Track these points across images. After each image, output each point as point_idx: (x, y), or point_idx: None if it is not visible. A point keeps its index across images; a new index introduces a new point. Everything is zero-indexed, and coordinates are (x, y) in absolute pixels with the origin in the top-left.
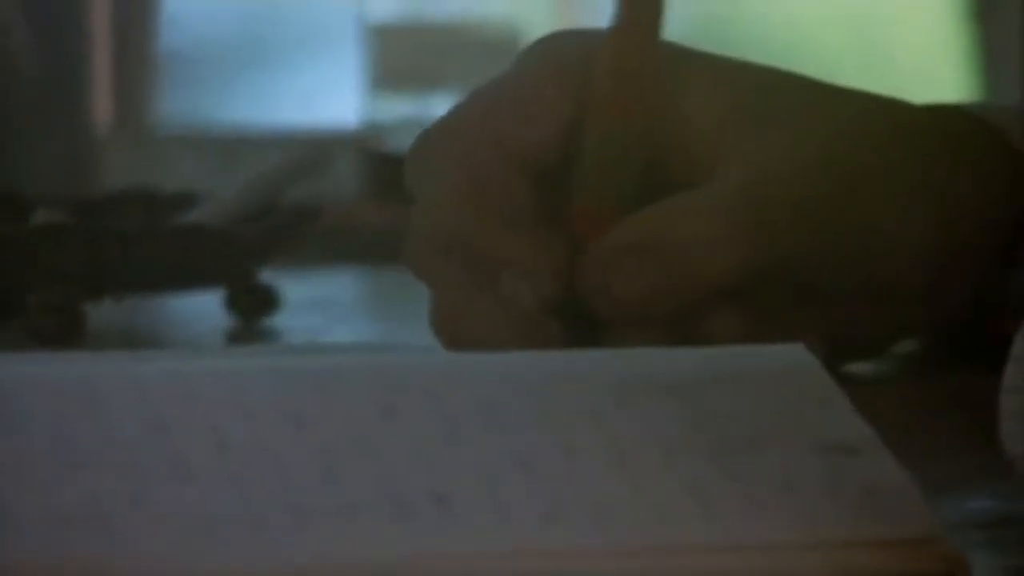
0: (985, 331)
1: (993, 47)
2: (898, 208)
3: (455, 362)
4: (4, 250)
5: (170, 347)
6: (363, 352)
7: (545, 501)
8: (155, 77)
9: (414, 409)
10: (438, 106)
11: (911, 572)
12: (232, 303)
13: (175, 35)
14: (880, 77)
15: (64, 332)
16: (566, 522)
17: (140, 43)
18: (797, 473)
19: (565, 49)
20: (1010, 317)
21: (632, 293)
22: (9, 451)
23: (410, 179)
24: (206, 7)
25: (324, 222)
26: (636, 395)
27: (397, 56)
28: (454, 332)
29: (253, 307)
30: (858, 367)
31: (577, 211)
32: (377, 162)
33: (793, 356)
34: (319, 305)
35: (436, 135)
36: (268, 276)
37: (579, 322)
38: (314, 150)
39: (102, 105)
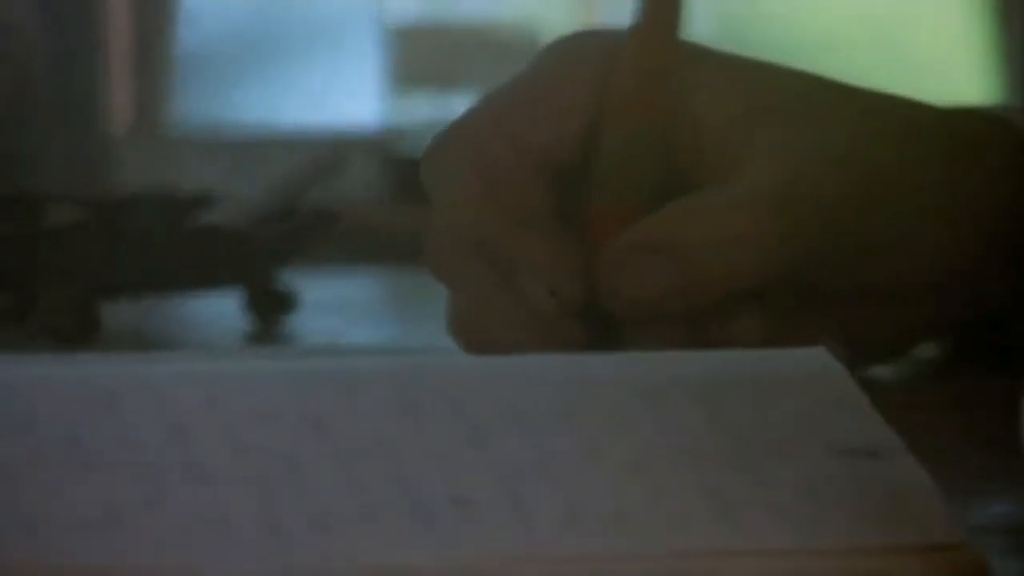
0: (1003, 333)
1: (1014, 47)
2: (916, 209)
3: (476, 365)
4: (20, 250)
5: (186, 348)
6: (382, 354)
7: (566, 505)
8: (172, 77)
9: (434, 412)
10: (457, 107)
11: None
12: (250, 305)
13: (192, 35)
14: (900, 78)
15: (80, 333)
16: (587, 526)
17: (157, 43)
18: (820, 478)
19: (584, 49)
20: None
21: (646, 293)
22: (24, 452)
23: (426, 180)
24: (223, 7)
25: (342, 224)
26: (658, 399)
27: (416, 57)
28: (472, 334)
29: (271, 309)
30: (875, 370)
31: (595, 211)
32: (395, 164)
33: (816, 360)
34: (337, 307)
35: (452, 136)
36: (286, 278)
37: (597, 323)
38: (333, 152)
39: (119, 105)
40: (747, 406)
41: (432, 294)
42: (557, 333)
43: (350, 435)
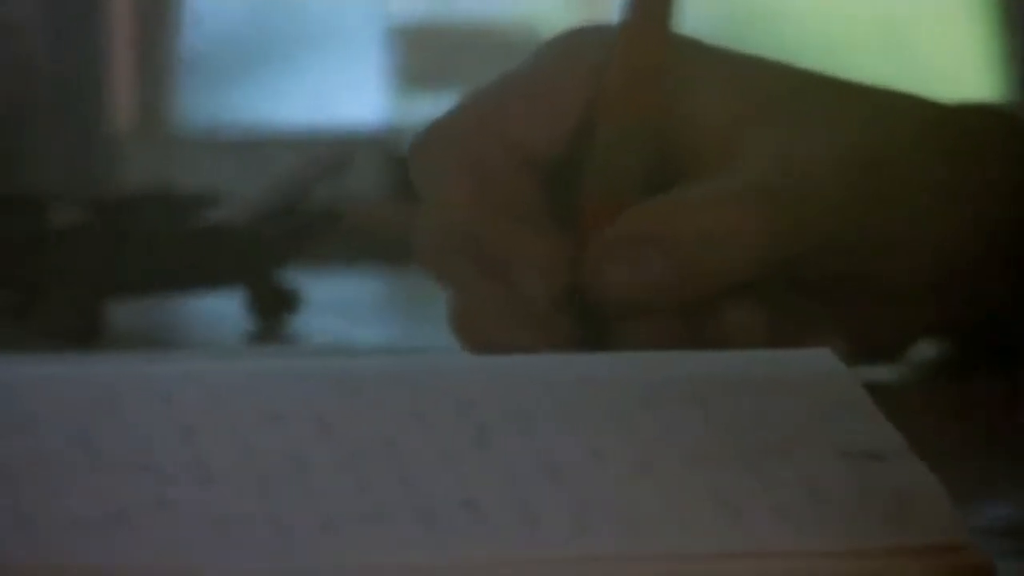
0: (1003, 333)
1: (1019, 46)
2: (920, 206)
3: (481, 365)
4: (24, 250)
5: (190, 348)
6: (387, 354)
7: (572, 506)
8: (175, 77)
9: (441, 413)
10: None
11: None
12: (253, 304)
13: (196, 34)
14: (905, 77)
15: (83, 333)
16: (593, 528)
17: (160, 42)
18: (825, 479)
19: (580, 45)
20: None
21: (633, 284)
22: (29, 453)
23: (415, 175)
24: (227, 6)
25: (345, 223)
26: (663, 399)
27: (419, 56)
28: (471, 331)
29: (274, 308)
30: (876, 371)
31: (587, 208)
32: (398, 163)
33: (821, 360)
34: (340, 306)
35: (440, 131)
36: (289, 277)
37: (590, 316)
38: (337, 151)
39: (122, 105)
40: (752, 407)
41: (435, 293)
42: (550, 326)
43: (355, 435)
